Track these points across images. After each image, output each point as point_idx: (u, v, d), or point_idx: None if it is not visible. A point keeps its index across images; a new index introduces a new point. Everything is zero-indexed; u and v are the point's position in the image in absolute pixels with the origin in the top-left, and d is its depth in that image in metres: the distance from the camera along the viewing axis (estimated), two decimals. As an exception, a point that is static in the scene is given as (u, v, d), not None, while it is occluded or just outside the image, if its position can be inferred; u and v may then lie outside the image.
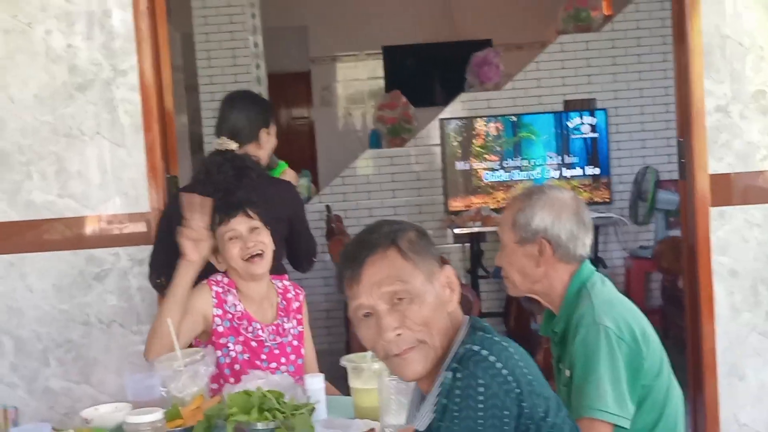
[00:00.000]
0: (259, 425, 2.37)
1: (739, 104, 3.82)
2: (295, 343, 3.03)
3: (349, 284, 1.86)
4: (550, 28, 7.70)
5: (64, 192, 3.76)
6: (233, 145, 3.43)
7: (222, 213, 2.95)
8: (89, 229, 3.78)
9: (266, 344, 2.95)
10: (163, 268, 3.44)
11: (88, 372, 3.82)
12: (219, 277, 3.00)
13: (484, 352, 1.72)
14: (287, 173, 3.70)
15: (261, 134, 3.51)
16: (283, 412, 2.41)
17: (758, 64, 3.82)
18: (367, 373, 2.61)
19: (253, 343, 2.94)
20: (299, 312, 3.08)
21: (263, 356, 2.93)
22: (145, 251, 3.61)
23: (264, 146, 3.53)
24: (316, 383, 2.64)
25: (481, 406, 1.68)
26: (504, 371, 1.70)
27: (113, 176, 3.77)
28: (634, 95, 7.19)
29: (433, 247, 1.91)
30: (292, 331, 3.03)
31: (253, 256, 2.92)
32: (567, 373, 2.39)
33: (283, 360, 2.97)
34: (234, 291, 2.97)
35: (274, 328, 2.99)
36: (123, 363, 3.79)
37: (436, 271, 1.87)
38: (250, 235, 2.94)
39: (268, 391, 2.48)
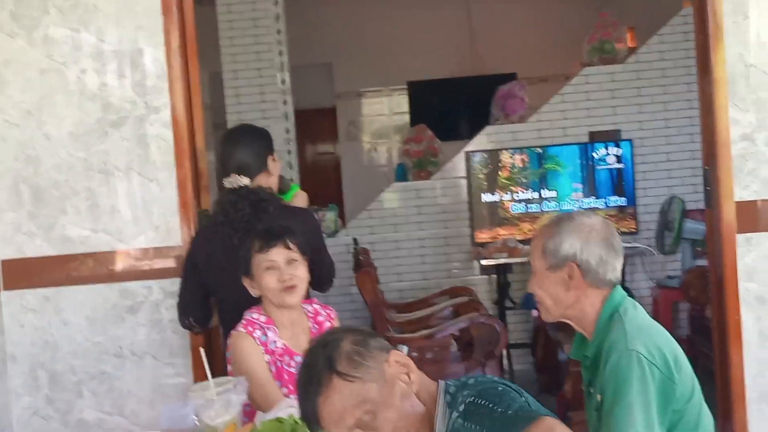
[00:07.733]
0: (292, 453, 2.42)
1: (764, 132, 3.83)
2: None
3: (315, 428, 1.92)
4: (575, 61, 7.74)
5: (97, 227, 3.83)
6: (245, 181, 3.40)
7: (262, 241, 2.99)
8: (122, 262, 3.85)
9: None
10: (191, 309, 3.50)
11: (121, 404, 3.87)
12: (255, 316, 3.03)
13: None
14: (299, 195, 3.70)
15: (268, 163, 3.49)
16: (315, 440, 2.45)
17: (783, 91, 3.84)
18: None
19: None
20: None
21: None
22: (177, 284, 3.62)
23: (273, 173, 3.52)
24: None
25: None
26: None
27: (145, 211, 3.83)
28: (659, 125, 7.20)
29: (374, 341, 1.93)
30: None
31: (287, 287, 2.97)
32: (598, 397, 2.41)
33: None
34: (273, 327, 3.01)
35: None
36: (155, 395, 3.84)
37: (385, 367, 1.91)
38: (287, 267, 2.99)
39: (300, 417, 2.51)
